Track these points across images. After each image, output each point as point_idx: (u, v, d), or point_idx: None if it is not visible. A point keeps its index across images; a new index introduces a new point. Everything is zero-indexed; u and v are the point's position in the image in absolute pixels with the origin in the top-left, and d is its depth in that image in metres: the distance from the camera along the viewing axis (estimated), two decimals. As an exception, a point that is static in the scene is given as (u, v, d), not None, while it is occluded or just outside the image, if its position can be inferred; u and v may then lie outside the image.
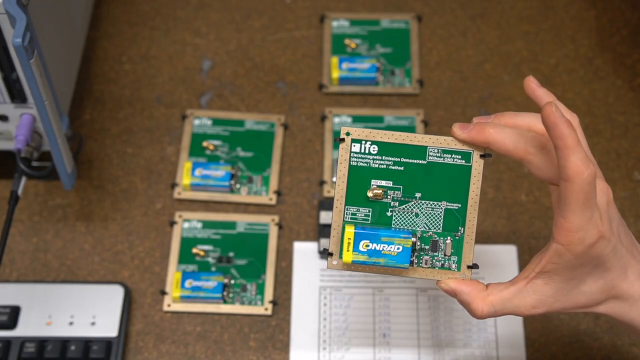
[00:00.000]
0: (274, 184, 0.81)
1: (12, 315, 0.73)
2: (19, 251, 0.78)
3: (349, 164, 0.56)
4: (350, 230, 0.56)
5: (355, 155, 0.56)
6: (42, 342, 0.72)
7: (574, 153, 0.51)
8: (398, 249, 0.56)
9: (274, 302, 0.76)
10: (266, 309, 0.75)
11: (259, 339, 0.75)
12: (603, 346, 0.74)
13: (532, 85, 0.58)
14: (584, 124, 0.59)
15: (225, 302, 0.76)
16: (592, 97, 0.86)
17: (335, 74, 0.86)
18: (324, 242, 0.77)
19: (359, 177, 0.57)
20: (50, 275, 0.77)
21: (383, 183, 0.57)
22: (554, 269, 0.54)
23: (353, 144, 0.56)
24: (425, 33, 0.90)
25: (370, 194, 0.56)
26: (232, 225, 0.79)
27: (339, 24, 0.89)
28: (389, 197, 0.57)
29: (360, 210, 0.57)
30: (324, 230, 0.77)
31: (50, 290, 0.75)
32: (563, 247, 0.53)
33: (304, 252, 0.78)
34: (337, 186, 0.56)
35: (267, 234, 0.79)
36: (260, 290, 0.76)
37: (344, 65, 0.86)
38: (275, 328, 0.75)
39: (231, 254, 0.78)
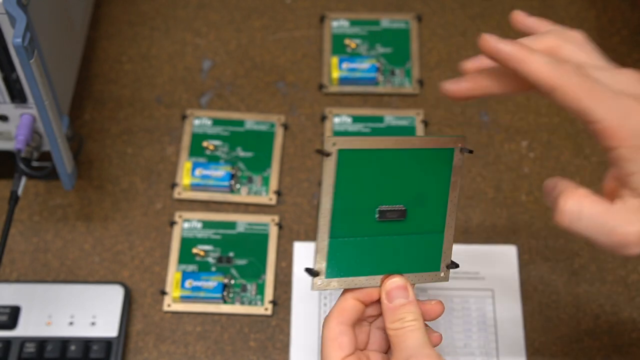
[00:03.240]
0: (274, 184, 0.81)
1: (12, 315, 0.73)
2: (19, 251, 0.78)
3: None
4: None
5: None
6: (42, 342, 0.72)
7: (531, 62, 0.45)
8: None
9: (274, 302, 0.76)
10: (266, 309, 0.75)
11: (259, 339, 0.75)
12: (603, 346, 0.74)
13: (519, 18, 0.51)
14: (584, 124, 0.59)
15: (225, 302, 0.76)
16: (592, 97, 0.86)
17: (335, 74, 0.86)
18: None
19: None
20: (50, 275, 0.77)
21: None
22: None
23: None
24: (425, 33, 0.90)
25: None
26: (232, 225, 0.79)
27: (339, 24, 0.89)
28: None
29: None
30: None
31: (50, 290, 0.75)
32: (620, 150, 0.44)
33: (304, 252, 0.78)
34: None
35: (267, 234, 0.78)
36: (260, 290, 0.76)
37: (344, 65, 0.86)
38: (275, 328, 0.75)
39: (231, 254, 0.78)
